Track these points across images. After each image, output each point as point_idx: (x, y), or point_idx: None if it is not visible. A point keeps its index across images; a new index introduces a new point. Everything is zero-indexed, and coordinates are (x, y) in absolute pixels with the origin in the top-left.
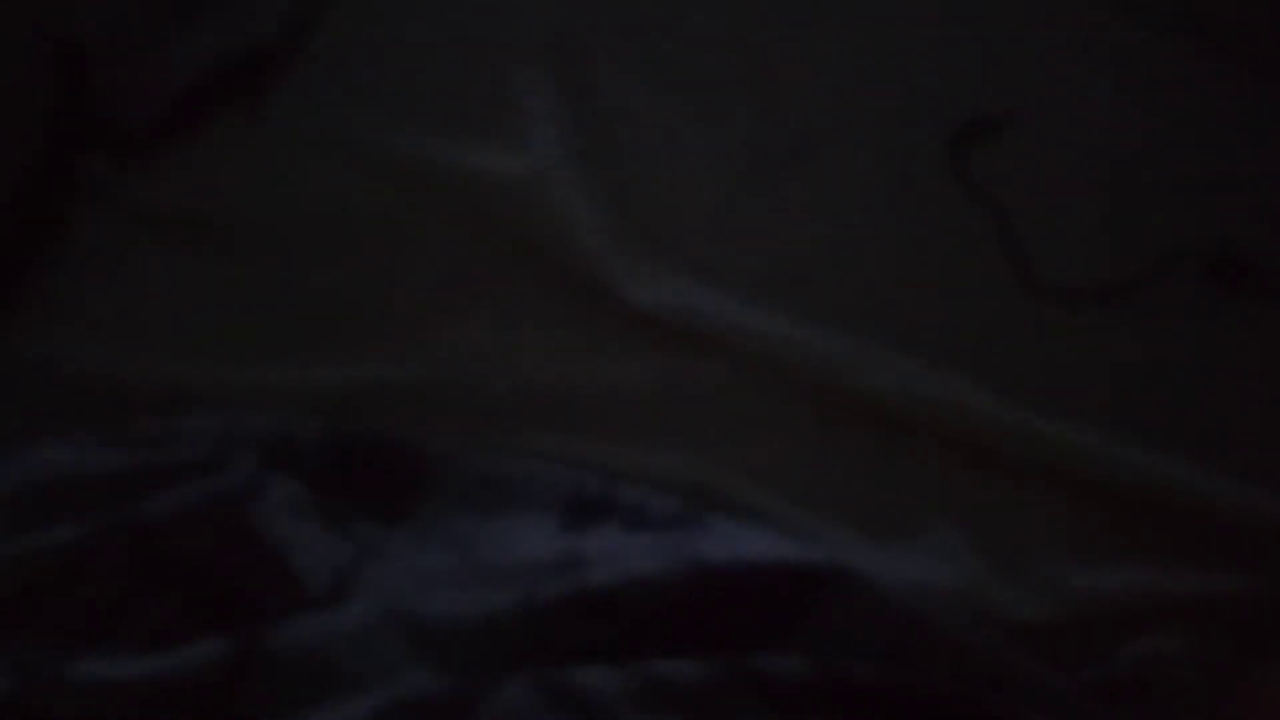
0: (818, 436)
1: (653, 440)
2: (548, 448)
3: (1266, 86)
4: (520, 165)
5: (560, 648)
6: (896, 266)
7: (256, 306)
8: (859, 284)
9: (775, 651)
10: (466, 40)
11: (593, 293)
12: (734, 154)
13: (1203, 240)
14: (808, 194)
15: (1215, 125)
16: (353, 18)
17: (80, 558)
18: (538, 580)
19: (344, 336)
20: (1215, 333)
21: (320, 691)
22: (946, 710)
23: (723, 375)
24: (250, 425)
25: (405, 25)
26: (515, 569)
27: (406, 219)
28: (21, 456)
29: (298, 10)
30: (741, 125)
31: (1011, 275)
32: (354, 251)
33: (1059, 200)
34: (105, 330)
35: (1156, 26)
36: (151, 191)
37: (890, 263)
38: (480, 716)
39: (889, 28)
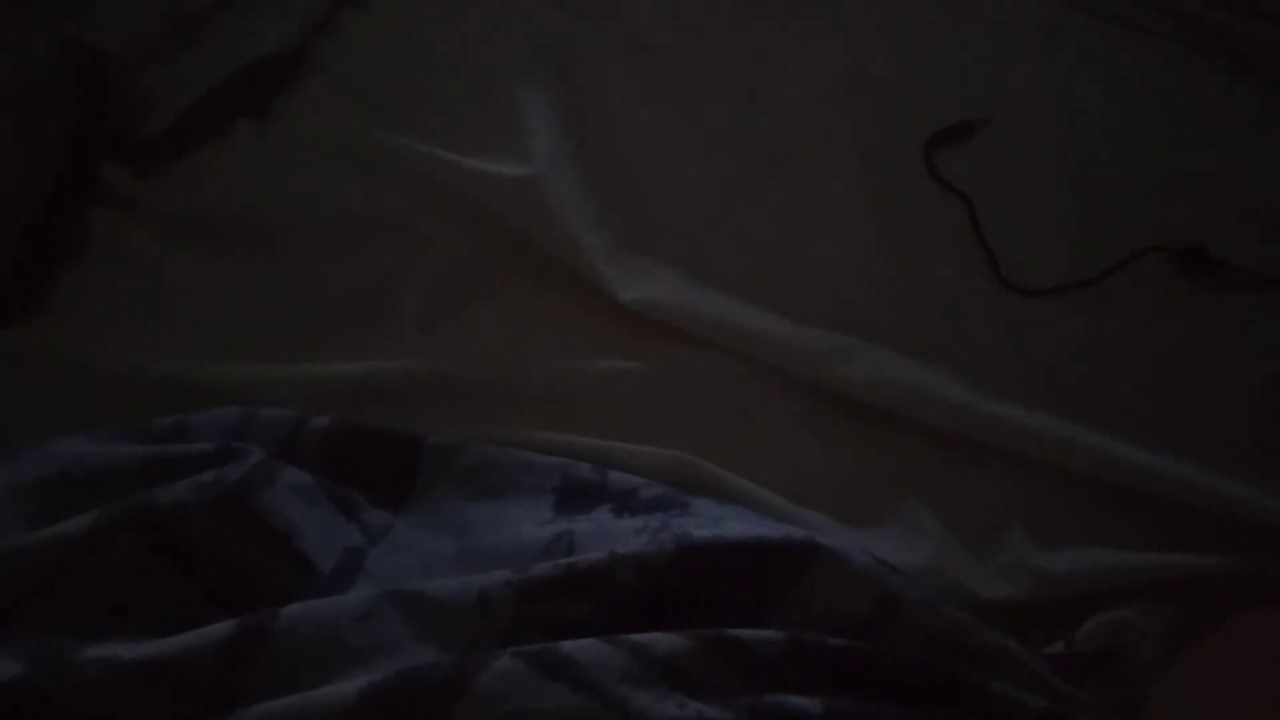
0: (798, 425)
1: (642, 430)
2: (543, 437)
3: (1232, 86)
4: (518, 170)
5: (552, 623)
6: (873, 265)
7: (268, 305)
8: (837, 281)
9: (756, 625)
10: (468, 51)
11: (587, 290)
12: (721, 158)
13: (1169, 233)
14: (790, 197)
15: (1182, 125)
16: (359, 30)
17: (95, 546)
18: (532, 561)
19: (352, 332)
20: (1181, 322)
21: (326, 666)
22: (921, 682)
23: (708, 368)
24: (262, 417)
25: (409, 37)
26: (511, 551)
27: (410, 221)
28: (41, 449)
29: (307, 24)
30: (728, 131)
31: (984, 271)
32: (360, 252)
33: (1030, 199)
34: (125, 328)
35: (1126, 31)
36: (169, 196)
37: (867, 261)
38: (476, 687)
39: (870, 36)
